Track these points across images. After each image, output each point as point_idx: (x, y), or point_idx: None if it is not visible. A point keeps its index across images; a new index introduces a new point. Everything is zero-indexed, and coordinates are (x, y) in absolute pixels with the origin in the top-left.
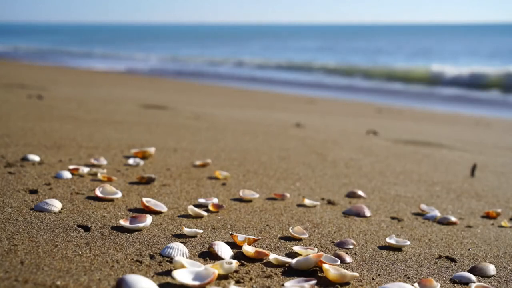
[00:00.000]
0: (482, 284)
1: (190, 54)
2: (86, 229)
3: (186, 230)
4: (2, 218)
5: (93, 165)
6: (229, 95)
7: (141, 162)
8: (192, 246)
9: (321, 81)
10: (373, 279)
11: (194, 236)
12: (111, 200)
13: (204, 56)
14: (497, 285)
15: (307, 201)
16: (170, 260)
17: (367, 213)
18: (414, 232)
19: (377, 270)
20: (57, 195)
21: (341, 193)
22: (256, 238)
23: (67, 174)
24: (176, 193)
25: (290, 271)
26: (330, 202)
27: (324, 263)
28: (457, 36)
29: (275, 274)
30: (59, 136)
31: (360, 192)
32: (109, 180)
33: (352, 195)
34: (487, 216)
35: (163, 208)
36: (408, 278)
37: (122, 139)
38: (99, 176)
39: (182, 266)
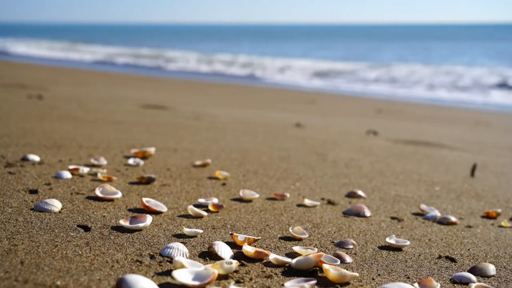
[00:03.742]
0: (482, 284)
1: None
2: (86, 229)
3: (186, 230)
4: (2, 218)
5: (93, 165)
6: (229, 95)
7: (141, 162)
8: (192, 246)
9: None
10: (373, 279)
11: (194, 236)
12: (111, 200)
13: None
14: (497, 285)
15: (307, 201)
16: (170, 260)
17: (367, 213)
18: (414, 232)
19: (377, 270)
20: (57, 195)
21: (341, 193)
22: (256, 238)
23: (67, 174)
24: (176, 193)
25: (290, 271)
26: (330, 202)
27: (324, 263)
28: (446, 37)
29: (275, 274)
30: (59, 136)
31: (360, 192)
32: (109, 180)
33: (352, 195)
34: (487, 216)
35: (163, 208)
36: (408, 278)
37: (122, 139)
38: (99, 176)
39: (182, 266)
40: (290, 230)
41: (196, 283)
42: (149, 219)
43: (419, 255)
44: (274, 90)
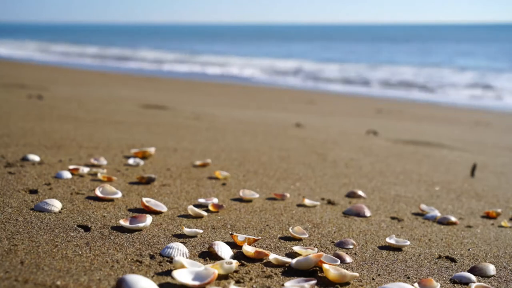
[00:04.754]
0: (482, 284)
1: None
2: (86, 229)
3: (186, 230)
4: (2, 218)
5: (93, 165)
6: (229, 95)
7: (141, 162)
8: (192, 246)
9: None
10: (373, 279)
11: (194, 236)
12: (111, 200)
13: None
14: (497, 285)
15: (307, 201)
16: (170, 260)
17: (367, 213)
18: (414, 232)
19: (377, 270)
20: (57, 195)
21: (341, 193)
22: (256, 238)
23: (67, 174)
24: (176, 193)
25: (290, 271)
26: (330, 202)
27: (324, 263)
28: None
29: (275, 274)
30: (59, 136)
31: (360, 192)
32: (109, 180)
33: (352, 195)
34: (487, 216)
35: (163, 208)
36: (408, 278)
37: (122, 139)
38: (99, 176)
39: (182, 266)
40: (290, 230)
41: (196, 283)
42: (149, 219)
43: (419, 255)
44: (274, 90)
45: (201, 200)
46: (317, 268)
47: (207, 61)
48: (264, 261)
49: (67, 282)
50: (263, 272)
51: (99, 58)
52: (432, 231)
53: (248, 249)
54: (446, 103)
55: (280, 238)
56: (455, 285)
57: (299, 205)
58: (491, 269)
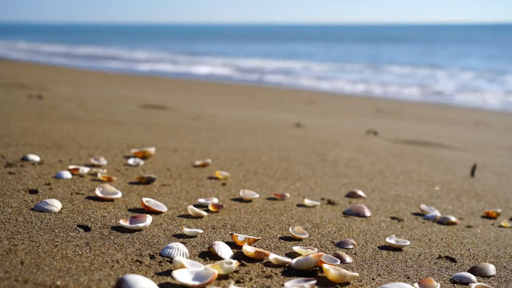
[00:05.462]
0: (482, 284)
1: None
2: (86, 229)
3: (186, 230)
4: (2, 218)
5: (93, 165)
6: (229, 95)
7: (141, 162)
8: (192, 246)
9: None
10: (373, 279)
11: (194, 236)
12: (111, 200)
13: None
14: (497, 285)
15: (307, 201)
16: (170, 260)
17: (367, 213)
18: (414, 232)
19: (377, 270)
20: (57, 195)
21: (341, 193)
22: (256, 238)
23: (67, 174)
24: (176, 193)
25: (290, 271)
26: (330, 202)
27: (324, 263)
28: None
29: (275, 274)
30: (59, 136)
31: (360, 192)
32: (109, 180)
33: (352, 195)
34: (487, 216)
35: (163, 208)
36: (408, 278)
37: (122, 139)
38: (99, 176)
39: (182, 266)
40: (290, 230)
41: (196, 283)
42: (149, 219)
43: (419, 255)
44: (274, 90)
45: (201, 200)
46: (317, 268)
47: (206, 62)
48: (264, 261)
49: (67, 282)
50: (263, 272)
51: (92, 59)
52: (432, 231)
53: (248, 249)
54: (446, 103)
55: (280, 238)
56: (455, 285)
57: (299, 205)
58: (491, 269)
